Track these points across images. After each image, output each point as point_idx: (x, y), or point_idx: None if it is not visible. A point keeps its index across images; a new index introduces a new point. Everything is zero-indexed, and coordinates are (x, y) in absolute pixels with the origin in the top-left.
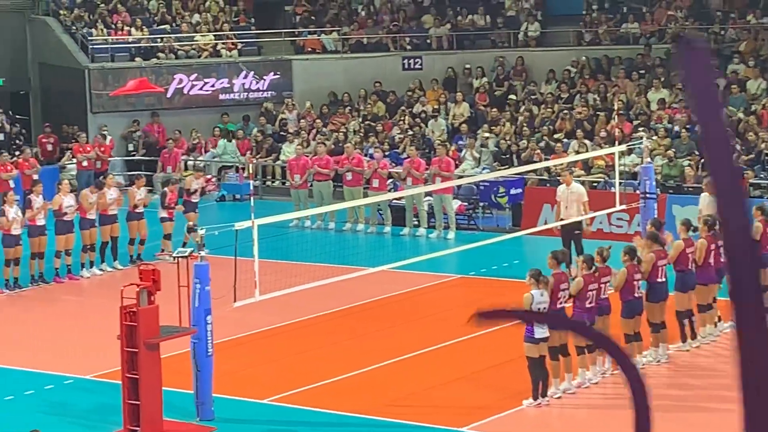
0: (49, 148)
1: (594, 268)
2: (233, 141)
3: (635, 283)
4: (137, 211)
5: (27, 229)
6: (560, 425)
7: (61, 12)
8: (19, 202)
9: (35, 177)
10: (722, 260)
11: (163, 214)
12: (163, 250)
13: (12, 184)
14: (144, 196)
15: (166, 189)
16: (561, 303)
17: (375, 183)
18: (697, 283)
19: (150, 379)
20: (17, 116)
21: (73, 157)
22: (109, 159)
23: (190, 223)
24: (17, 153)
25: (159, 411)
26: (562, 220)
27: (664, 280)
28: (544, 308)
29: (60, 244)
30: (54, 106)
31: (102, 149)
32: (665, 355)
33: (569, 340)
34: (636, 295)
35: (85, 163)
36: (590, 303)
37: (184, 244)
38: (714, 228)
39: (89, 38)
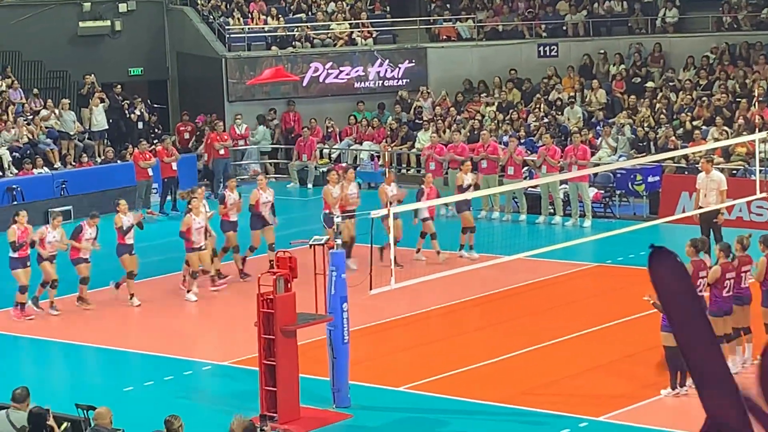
0: (186, 136)
1: (732, 256)
2: (268, 127)
3: None
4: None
5: (220, 224)
6: (699, 415)
7: (199, 1)
8: (158, 190)
9: (173, 167)
10: None
11: (425, 214)
12: (418, 250)
13: (151, 172)
14: (396, 192)
15: (422, 186)
16: (699, 291)
17: (510, 171)
18: None
19: (287, 365)
20: (155, 105)
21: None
22: (245, 147)
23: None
24: (156, 141)
25: (296, 398)
26: (700, 208)
27: None
28: None
29: (254, 239)
30: (191, 95)
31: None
32: None
33: None
34: None
35: (221, 152)
36: (728, 291)
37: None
38: None
39: (226, 27)
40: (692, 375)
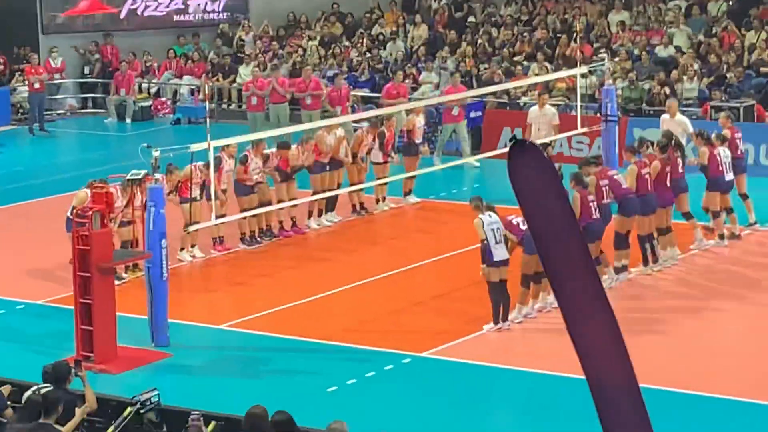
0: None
1: None
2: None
3: (591, 205)
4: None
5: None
6: (522, 349)
7: None
8: None
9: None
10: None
11: (379, 157)
12: (381, 199)
13: None
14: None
15: (383, 129)
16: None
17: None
18: (657, 206)
19: (103, 304)
20: None
21: (24, 79)
22: (61, 81)
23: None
24: None
25: (112, 337)
26: None
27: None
28: (498, 228)
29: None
30: (3, 27)
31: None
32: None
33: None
34: (594, 217)
35: (36, 85)
36: None
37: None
38: (667, 149)
39: None
40: (558, 300)
